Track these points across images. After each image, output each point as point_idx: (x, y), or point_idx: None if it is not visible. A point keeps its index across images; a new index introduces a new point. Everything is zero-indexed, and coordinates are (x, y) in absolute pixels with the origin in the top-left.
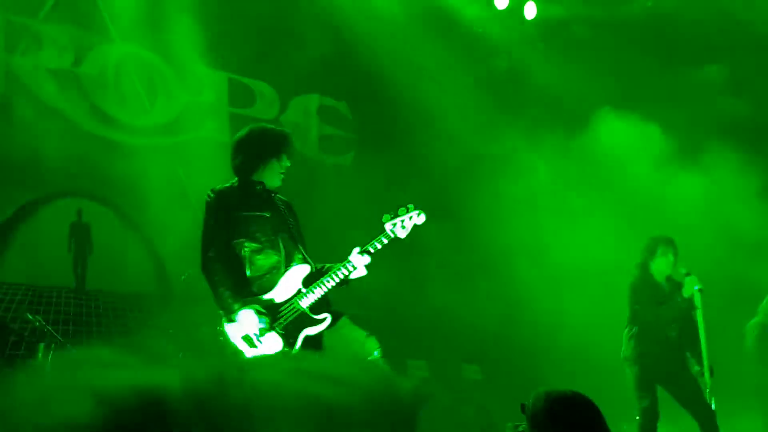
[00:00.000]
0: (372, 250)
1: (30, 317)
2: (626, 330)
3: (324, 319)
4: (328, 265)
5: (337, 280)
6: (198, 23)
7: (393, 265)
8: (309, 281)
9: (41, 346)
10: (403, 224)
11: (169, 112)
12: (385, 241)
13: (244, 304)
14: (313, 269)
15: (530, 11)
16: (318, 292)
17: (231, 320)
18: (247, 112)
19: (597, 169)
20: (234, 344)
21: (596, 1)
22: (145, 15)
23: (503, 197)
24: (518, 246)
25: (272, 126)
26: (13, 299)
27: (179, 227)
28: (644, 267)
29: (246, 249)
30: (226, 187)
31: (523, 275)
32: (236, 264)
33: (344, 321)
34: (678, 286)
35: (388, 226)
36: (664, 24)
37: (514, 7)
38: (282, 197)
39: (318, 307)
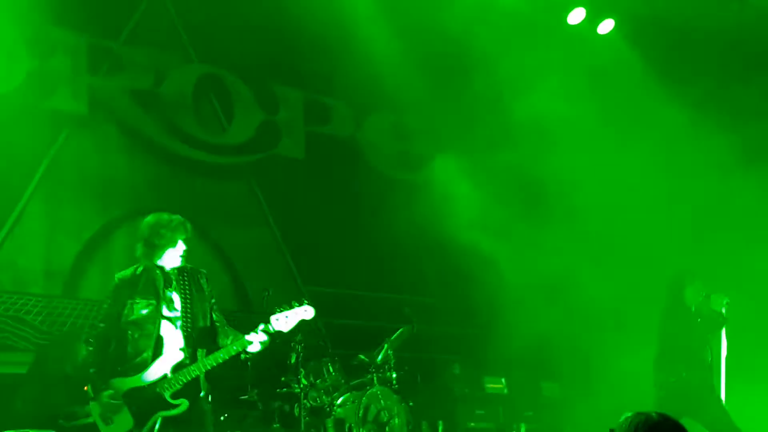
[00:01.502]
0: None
1: None
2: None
3: (180, 404)
4: (212, 348)
5: (216, 361)
6: (270, 42)
7: (470, 281)
8: (179, 368)
9: None
10: (287, 319)
11: (245, 130)
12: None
13: (105, 385)
14: (186, 359)
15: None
16: (182, 379)
17: (92, 399)
18: (322, 129)
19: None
20: (96, 419)
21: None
22: (219, 33)
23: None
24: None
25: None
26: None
27: (256, 244)
28: (676, 296)
29: (129, 332)
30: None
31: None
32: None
33: (198, 408)
34: (707, 310)
35: (272, 319)
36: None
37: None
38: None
39: (180, 392)
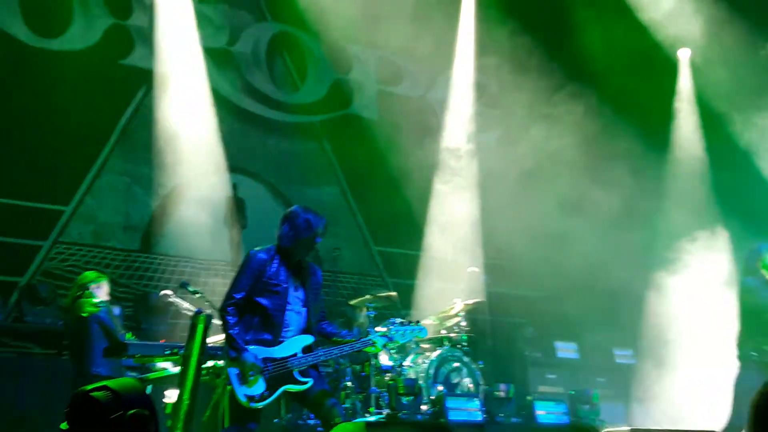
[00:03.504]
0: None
1: (190, 290)
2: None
3: (306, 383)
4: (337, 339)
5: (342, 353)
6: (349, 1)
7: (555, 245)
8: (308, 349)
9: (202, 317)
10: (404, 333)
11: (318, 89)
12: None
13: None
14: (312, 342)
15: None
16: (310, 360)
17: (233, 357)
18: (394, 89)
19: None
20: (228, 374)
21: None
22: None
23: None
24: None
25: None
26: (174, 270)
27: (326, 203)
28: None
29: (265, 307)
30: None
31: None
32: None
33: (322, 390)
34: None
35: (393, 329)
36: None
37: None
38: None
39: (306, 371)
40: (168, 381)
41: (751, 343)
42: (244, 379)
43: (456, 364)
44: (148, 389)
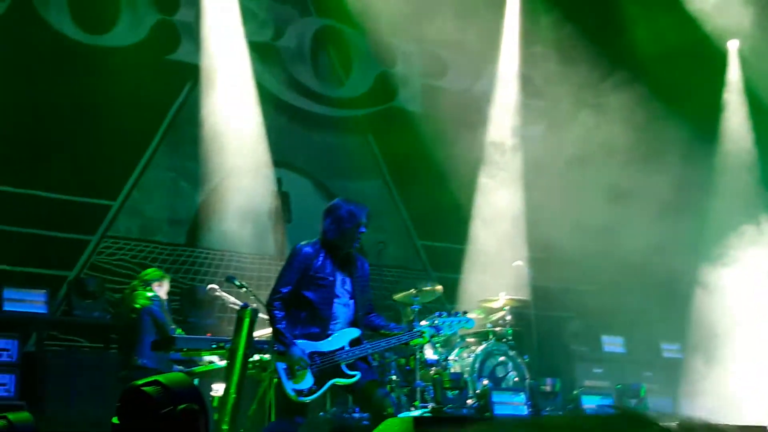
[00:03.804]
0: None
1: (237, 284)
2: None
3: (354, 376)
4: (385, 332)
5: (389, 345)
6: None
7: (601, 238)
8: (355, 342)
9: (248, 311)
10: (451, 324)
11: (363, 83)
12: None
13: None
14: (360, 335)
15: None
16: (357, 353)
17: (281, 352)
18: (439, 82)
19: None
20: (276, 368)
21: None
22: None
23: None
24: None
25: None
26: (219, 264)
27: (371, 196)
28: None
29: (312, 301)
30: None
31: None
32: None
33: (371, 381)
34: None
35: (440, 321)
36: None
37: None
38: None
39: (354, 364)
40: (214, 375)
41: None
42: (291, 374)
43: (501, 358)
44: (195, 382)
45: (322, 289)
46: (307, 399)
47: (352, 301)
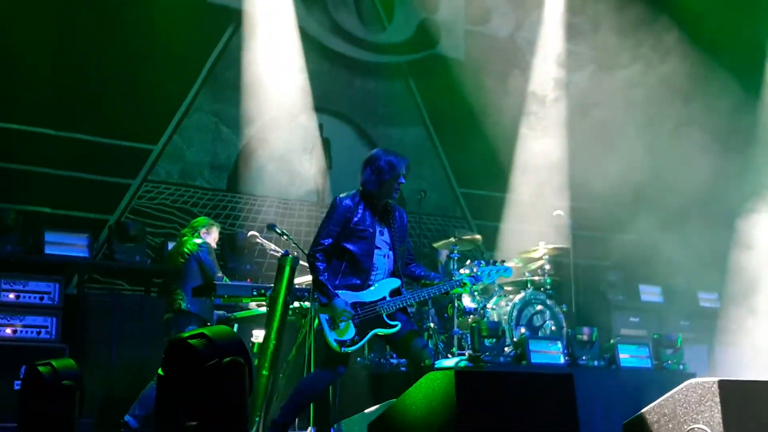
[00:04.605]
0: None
1: (277, 231)
2: None
3: (395, 326)
4: (425, 281)
5: (430, 295)
6: None
7: (641, 187)
8: (395, 292)
9: (288, 259)
10: (490, 274)
11: (405, 29)
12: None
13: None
14: (400, 285)
15: None
16: (398, 303)
17: (324, 303)
18: (482, 29)
19: None
20: (318, 319)
21: None
22: None
23: None
24: None
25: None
26: (259, 210)
27: (412, 144)
28: None
29: (353, 252)
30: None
31: None
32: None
33: (410, 331)
34: None
35: (479, 271)
36: None
37: None
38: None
39: (394, 314)
40: (255, 320)
41: None
42: (334, 325)
43: (539, 307)
44: (235, 327)
45: (362, 241)
46: (350, 350)
47: (391, 252)
